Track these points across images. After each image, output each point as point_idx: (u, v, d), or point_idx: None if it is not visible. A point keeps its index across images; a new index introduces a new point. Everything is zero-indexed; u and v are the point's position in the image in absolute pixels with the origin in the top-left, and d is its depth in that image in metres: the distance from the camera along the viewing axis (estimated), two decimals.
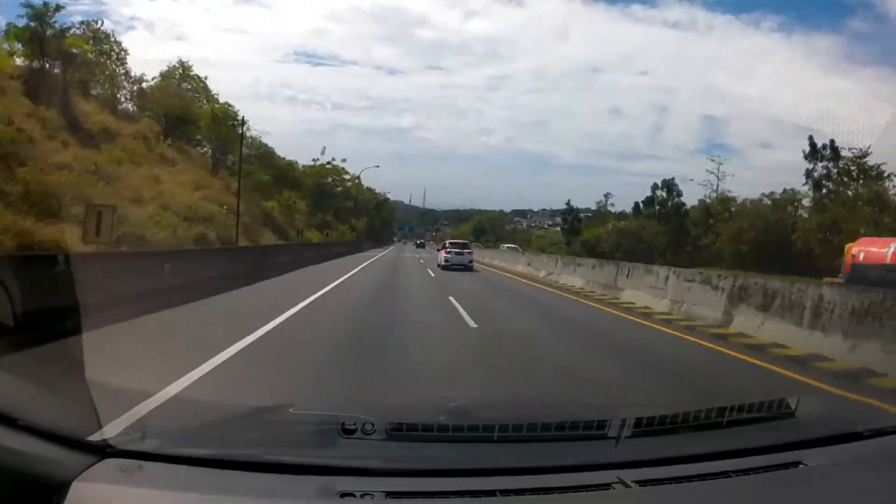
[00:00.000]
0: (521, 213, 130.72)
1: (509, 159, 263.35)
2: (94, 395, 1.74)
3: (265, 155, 44.08)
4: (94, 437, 1.48)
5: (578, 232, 59.42)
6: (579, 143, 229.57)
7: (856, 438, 1.79)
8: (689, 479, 1.53)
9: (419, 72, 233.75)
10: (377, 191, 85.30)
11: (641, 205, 54.92)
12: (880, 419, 2.12)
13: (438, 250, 30.34)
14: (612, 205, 66.24)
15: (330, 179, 59.98)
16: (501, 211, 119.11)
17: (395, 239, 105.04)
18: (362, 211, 70.42)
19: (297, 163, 54.16)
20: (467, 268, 24.82)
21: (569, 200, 66.92)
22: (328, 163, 58.22)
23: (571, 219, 64.13)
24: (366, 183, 75.00)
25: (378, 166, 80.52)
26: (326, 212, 54.22)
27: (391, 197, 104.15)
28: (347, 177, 62.41)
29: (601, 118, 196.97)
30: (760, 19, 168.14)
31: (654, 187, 53.49)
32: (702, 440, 1.79)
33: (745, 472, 1.57)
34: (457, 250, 25.80)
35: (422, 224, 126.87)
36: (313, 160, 57.47)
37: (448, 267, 24.57)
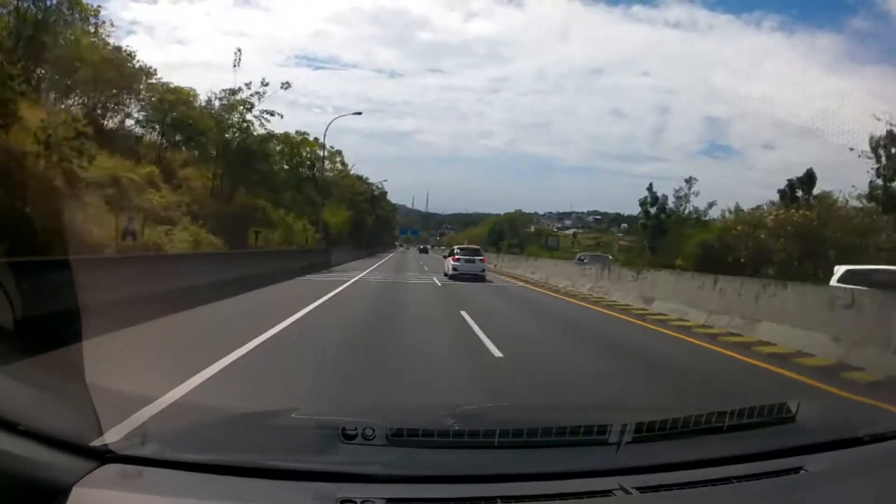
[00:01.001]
0: (527, 217, 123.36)
1: (511, 162, 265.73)
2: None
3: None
4: (95, 443, 1.49)
5: (663, 232, 38.97)
6: (581, 145, 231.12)
7: (857, 443, 1.79)
8: (690, 485, 1.52)
9: (420, 74, 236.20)
10: (369, 180, 62.38)
11: (797, 184, 32.11)
12: (881, 424, 2.10)
13: (445, 257, 25.81)
14: (697, 194, 41.08)
15: (291, 151, 34.62)
16: (520, 210, 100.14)
17: (397, 244, 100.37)
18: (341, 199, 46.71)
19: (192, 92, 26.30)
20: (478, 277, 21.71)
21: (651, 185, 43.57)
22: (255, 96, 26.05)
23: (657, 212, 41.02)
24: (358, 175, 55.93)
25: (360, 113, 57.97)
26: (258, 191, 28.03)
27: (392, 200, 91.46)
28: (325, 154, 38.54)
29: (603, 120, 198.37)
30: (761, 18, 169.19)
31: (877, 145, 25.52)
32: (703, 445, 1.79)
33: (747, 477, 1.57)
34: (467, 257, 22.67)
35: (424, 228, 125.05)
36: (225, 91, 26.21)
37: (457, 276, 21.41)
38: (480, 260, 22.91)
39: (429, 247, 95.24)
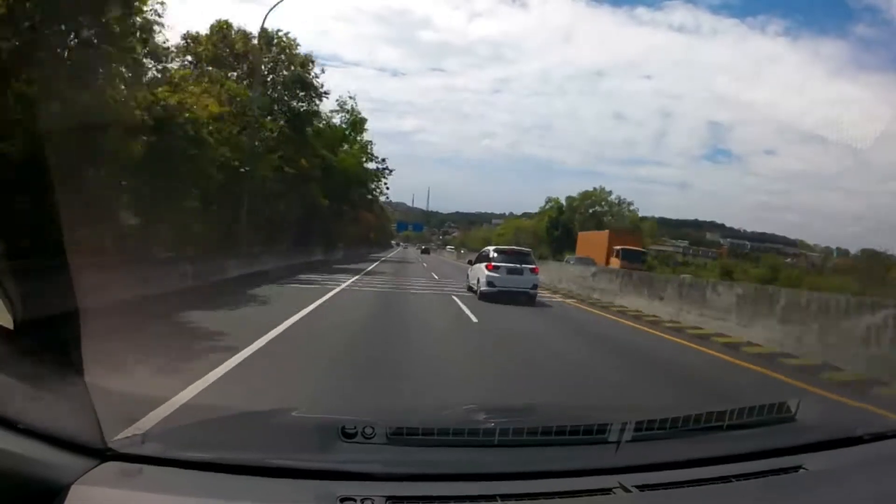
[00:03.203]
0: (533, 216, 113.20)
1: (513, 164, 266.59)
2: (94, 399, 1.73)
3: None
4: (95, 441, 1.49)
5: None
6: (583, 148, 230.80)
7: (856, 442, 1.79)
8: (690, 483, 1.53)
9: (422, 74, 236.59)
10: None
11: None
12: (880, 423, 2.11)
13: (472, 263, 17.31)
14: None
15: None
16: (602, 188, 66.99)
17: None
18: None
19: None
20: (528, 297, 14.53)
21: None
22: None
23: None
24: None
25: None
26: None
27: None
28: None
29: (605, 123, 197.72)
30: (766, 23, 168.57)
31: None
32: (702, 444, 1.79)
33: (746, 476, 1.57)
34: (510, 265, 14.77)
35: (425, 225, 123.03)
36: None
37: (492, 294, 14.31)
38: (531, 270, 15.06)
39: (430, 247, 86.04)
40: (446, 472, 1.56)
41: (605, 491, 1.47)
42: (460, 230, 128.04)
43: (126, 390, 4.15)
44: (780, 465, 1.64)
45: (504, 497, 1.42)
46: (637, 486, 1.48)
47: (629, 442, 1.66)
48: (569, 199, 63.98)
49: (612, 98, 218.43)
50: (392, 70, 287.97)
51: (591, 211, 63.86)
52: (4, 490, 1.23)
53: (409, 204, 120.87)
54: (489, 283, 14.51)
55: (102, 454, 1.46)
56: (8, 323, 1.61)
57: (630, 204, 65.01)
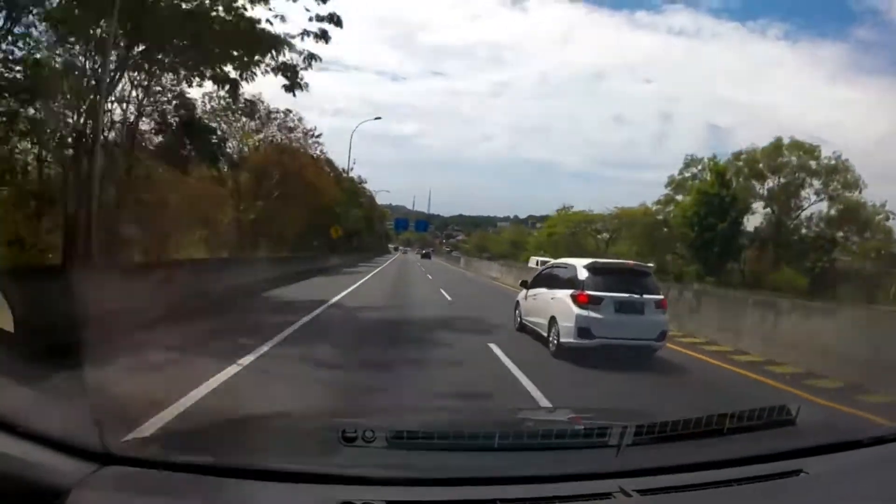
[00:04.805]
0: (541, 219, 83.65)
1: (512, 167, 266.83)
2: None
3: None
4: (95, 445, 1.49)
5: None
6: (582, 150, 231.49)
7: (856, 446, 1.79)
8: (691, 487, 1.52)
9: (422, 77, 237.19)
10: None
11: None
12: (881, 428, 2.11)
13: (528, 286, 10.34)
14: None
15: None
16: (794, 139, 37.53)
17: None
18: None
19: None
20: (646, 351, 8.08)
21: None
22: None
23: None
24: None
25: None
26: None
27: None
28: None
29: (605, 126, 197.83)
30: (766, 27, 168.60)
31: None
32: (703, 448, 1.79)
33: (747, 480, 1.57)
34: (624, 297, 7.94)
35: (430, 225, 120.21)
36: None
37: (590, 350, 7.64)
38: (657, 304, 8.22)
39: (431, 251, 79.86)
40: (447, 476, 1.56)
41: (606, 495, 1.46)
42: (464, 233, 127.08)
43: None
44: (781, 468, 1.63)
45: (504, 501, 1.42)
46: (638, 490, 1.47)
47: (630, 446, 1.66)
48: (736, 158, 35.06)
49: (612, 101, 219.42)
50: (392, 74, 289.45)
51: (781, 180, 35.68)
52: (5, 494, 1.23)
53: (409, 207, 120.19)
54: (582, 330, 7.85)
55: (103, 458, 1.45)
56: (8, 325, 1.61)
57: (849, 169, 35.88)
